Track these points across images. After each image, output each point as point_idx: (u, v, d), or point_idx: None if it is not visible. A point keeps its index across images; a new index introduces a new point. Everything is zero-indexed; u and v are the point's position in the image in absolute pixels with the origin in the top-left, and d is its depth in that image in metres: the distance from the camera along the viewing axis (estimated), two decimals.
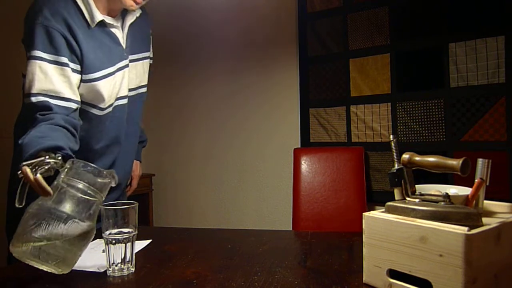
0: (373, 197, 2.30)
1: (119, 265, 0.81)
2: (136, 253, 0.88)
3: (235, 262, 0.89)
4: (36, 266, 0.76)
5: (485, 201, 0.76)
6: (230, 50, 2.89)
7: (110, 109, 1.20)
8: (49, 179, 0.80)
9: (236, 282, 0.76)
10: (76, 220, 0.76)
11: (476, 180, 0.74)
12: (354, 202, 2.16)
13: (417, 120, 2.16)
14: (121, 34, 1.21)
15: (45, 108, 1.01)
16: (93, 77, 1.11)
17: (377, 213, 0.72)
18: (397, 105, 2.22)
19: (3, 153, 1.53)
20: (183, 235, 1.17)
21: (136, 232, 0.83)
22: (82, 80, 1.10)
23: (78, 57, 1.08)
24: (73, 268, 0.85)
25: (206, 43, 3.01)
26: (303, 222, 2.20)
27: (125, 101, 1.25)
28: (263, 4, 2.70)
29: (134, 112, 1.32)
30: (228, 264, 0.88)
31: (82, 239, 0.78)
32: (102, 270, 0.84)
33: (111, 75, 1.16)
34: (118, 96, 1.21)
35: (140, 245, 1.03)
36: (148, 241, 1.07)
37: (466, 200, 0.73)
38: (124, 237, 0.80)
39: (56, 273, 0.77)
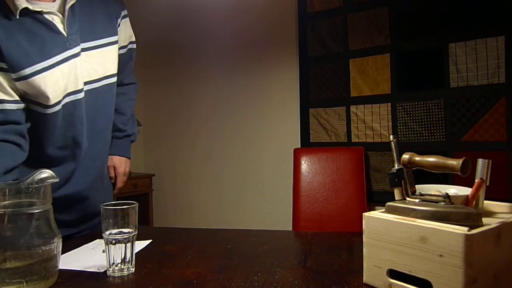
0: (373, 197, 2.30)
1: (119, 265, 0.81)
2: (136, 253, 0.88)
3: (235, 262, 0.89)
4: None
5: (485, 201, 0.76)
6: (230, 50, 2.89)
7: (59, 106, 1.05)
8: None
9: (236, 282, 0.76)
10: None
11: (476, 180, 0.73)
12: (354, 202, 2.16)
13: (417, 120, 2.16)
14: (60, 20, 1.04)
15: None
16: (24, 74, 0.98)
17: (377, 213, 0.72)
18: (397, 105, 2.22)
19: None
20: (183, 235, 1.17)
21: (136, 232, 0.83)
22: (14, 79, 0.98)
23: None
24: (73, 268, 0.85)
25: (206, 43, 3.01)
26: (303, 222, 2.20)
27: (79, 95, 1.09)
28: (263, 4, 2.70)
29: (100, 108, 1.16)
30: (228, 264, 0.88)
31: None
32: (102, 270, 0.84)
33: (48, 69, 1.01)
34: (69, 91, 1.06)
35: (140, 245, 1.02)
36: (148, 241, 1.07)
37: (466, 200, 0.73)
38: (124, 237, 0.80)
39: None
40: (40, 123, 1.05)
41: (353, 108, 2.38)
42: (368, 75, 2.31)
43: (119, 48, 1.26)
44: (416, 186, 0.77)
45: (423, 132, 2.14)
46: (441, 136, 2.09)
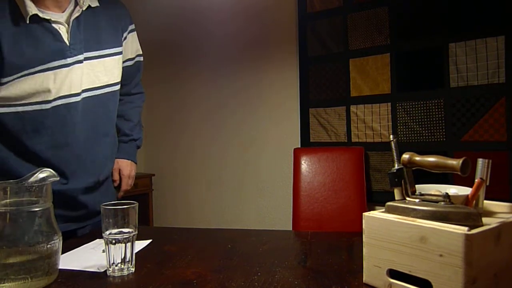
0: (373, 197, 2.30)
1: (119, 265, 0.81)
2: (136, 253, 0.88)
3: (235, 262, 0.89)
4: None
5: (485, 201, 0.76)
6: (230, 50, 2.89)
7: (48, 105, 1.11)
8: None
9: (236, 282, 0.76)
10: None
11: (476, 180, 0.73)
12: (354, 202, 2.16)
13: (417, 120, 2.16)
14: (66, 30, 1.12)
15: None
16: (21, 74, 1.07)
17: (377, 213, 0.72)
18: (397, 105, 2.22)
19: None
20: (183, 235, 1.17)
21: (136, 232, 0.83)
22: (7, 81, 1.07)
23: None
24: (73, 268, 0.85)
25: (206, 43, 3.01)
26: (303, 222, 2.20)
27: (73, 99, 1.14)
28: (263, 4, 2.70)
29: (101, 114, 1.23)
30: (228, 264, 0.88)
31: None
32: (102, 270, 0.84)
33: (46, 71, 1.09)
34: (61, 94, 1.12)
35: (140, 245, 1.03)
36: (148, 241, 1.07)
37: (466, 200, 0.73)
38: (124, 237, 0.80)
39: None
40: (26, 121, 1.10)
41: (353, 108, 2.38)
42: (368, 75, 2.31)
43: (127, 60, 1.36)
44: (416, 186, 0.77)
45: (423, 132, 2.15)
46: (441, 136, 2.09)
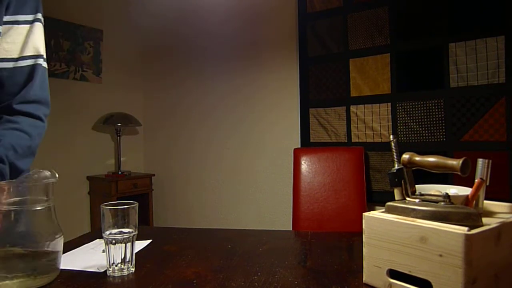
0: (373, 197, 2.30)
1: (119, 265, 0.81)
2: (136, 253, 0.88)
3: (235, 262, 0.89)
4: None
5: (485, 201, 0.76)
6: (230, 50, 2.90)
7: None
8: None
9: (236, 282, 0.76)
10: None
11: (476, 180, 0.74)
12: (354, 202, 2.16)
13: (417, 120, 2.16)
14: None
15: None
16: None
17: (377, 213, 0.72)
18: (397, 105, 2.22)
19: None
20: (183, 235, 1.17)
21: (136, 232, 0.83)
22: None
23: None
24: (73, 268, 0.85)
25: (206, 43, 3.01)
26: (303, 222, 2.20)
27: None
28: (263, 4, 2.70)
29: None
30: (228, 264, 0.88)
31: None
32: (102, 270, 0.84)
33: None
34: None
35: (140, 245, 1.03)
36: (148, 241, 1.07)
37: (466, 200, 0.73)
38: (124, 237, 0.80)
39: None
40: None
41: (353, 108, 2.38)
42: (368, 75, 2.32)
43: (12, 60, 0.94)
44: (416, 186, 0.77)
45: (423, 132, 2.15)
46: (441, 136, 2.09)
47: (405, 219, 0.66)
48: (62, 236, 0.80)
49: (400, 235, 0.65)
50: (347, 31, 2.38)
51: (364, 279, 0.73)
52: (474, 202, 0.73)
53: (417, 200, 0.71)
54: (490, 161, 0.74)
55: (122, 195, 2.85)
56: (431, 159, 0.73)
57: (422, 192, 0.74)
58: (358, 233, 0.99)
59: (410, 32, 2.17)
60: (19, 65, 0.93)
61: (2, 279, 0.71)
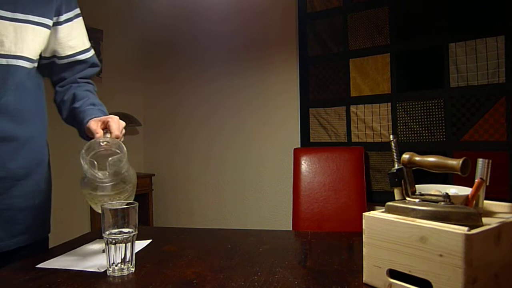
0: (373, 197, 2.30)
1: (119, 265, 0.81)
2: (136, 253, 0.88)
3: (235, 262, 0.89)
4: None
5: (485, 201, 0.76)
6: (230, 50, 2.90)
7: None
8: None
9: (236, 282, 0.76)
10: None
11: (476, 180, 0.73)
12: (354, 202, 2.16)
13: (417, 120, 2.16)
14: None
15: None
16: None
17: (377, 213, 0.72)
18: (397, 105, 2.22)
19: None
20: (183, 235, 1.17)
21: (136, 232, 0.83)
22: None
23: None
24: (73, 268, 0.85)
25: (206, 43, 3.01)
26: (303, 222, 2.20)
27: None
28: (263, 4, 2.70)
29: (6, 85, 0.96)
30: (228, 264, 0.88)
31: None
32: (102, 270, 0.84)
33: None
34: None
35: (140, 245, 1.03)
36: (148, 241, 1.07)
37: (466, 200, 0.73)
38: (124, 237, 0.80)
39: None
40: None
41: (353, 108, 2.38)
42: (368, 75, 2.32)
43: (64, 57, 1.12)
44: (416, 186, 0.77)
45: (423, 132, 2.15)
46: (441, 136, 2.09)
47: (405, 219, 0.66)
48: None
49: (400, 235, 0.65)
50: (347, 31, 2.38)
51: (364, 279, 0.73)
52: (474, 202, 0.73)
53: (417, 200, 0.71)
54: (490, 161, 0.74)
55: None
56: (431, 159, 0.73)
57: (422, 192, 0.74)
58: (358, 233, 0.99)
59: (410, 32, 2.17)
60: (87, 56, 1.21)
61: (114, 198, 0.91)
